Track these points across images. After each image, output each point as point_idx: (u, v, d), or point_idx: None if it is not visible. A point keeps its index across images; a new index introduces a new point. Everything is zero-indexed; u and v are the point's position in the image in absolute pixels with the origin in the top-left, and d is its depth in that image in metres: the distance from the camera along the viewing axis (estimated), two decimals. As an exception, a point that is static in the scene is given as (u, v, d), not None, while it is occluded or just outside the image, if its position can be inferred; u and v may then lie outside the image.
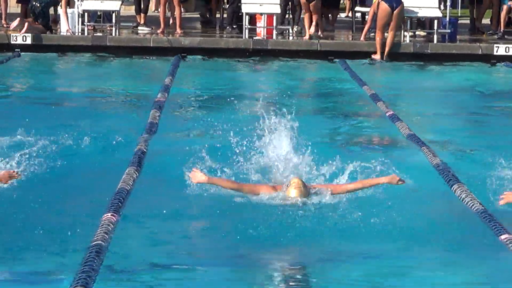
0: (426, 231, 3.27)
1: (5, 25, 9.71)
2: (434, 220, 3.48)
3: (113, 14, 9.32)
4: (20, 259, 2.83)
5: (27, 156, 4.44)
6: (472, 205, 3.53)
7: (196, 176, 3.75)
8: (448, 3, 10.00)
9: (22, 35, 8.71)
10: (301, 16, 10.57)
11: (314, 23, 9.93)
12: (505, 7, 9.99)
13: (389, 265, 2.91)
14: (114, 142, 5.08)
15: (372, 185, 3.81)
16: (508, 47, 9.31)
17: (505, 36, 10.06)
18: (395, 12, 9.17)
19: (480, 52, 9.59)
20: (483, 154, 5.07)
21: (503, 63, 9.35)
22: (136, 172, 4.05)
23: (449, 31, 9.94)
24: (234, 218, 3.51)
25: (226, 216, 3.54)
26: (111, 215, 3.07)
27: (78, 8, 9.03)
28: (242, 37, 9.69)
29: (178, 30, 9.57)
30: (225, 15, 10.53)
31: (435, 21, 9.66)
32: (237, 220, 3.45)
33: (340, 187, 3.87)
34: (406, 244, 3.09)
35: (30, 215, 3.50)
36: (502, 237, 2.94)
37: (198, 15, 11.21)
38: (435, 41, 9.75)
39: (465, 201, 3.67)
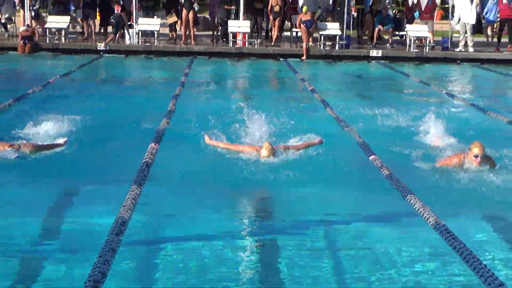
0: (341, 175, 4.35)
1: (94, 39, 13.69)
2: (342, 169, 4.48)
3: (155, 32, 13.61)
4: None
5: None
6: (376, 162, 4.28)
7: (205, 139, 4.80)
8: (345, 26, 13.89)
9: (106, 44, 12.96)
10: (263, 33, 14.86)
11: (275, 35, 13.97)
12: (376, 29, 14.02)
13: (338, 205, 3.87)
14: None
15: (310, 145, 4.82)
16: (378, 51, 13.46)
17: (376, 45, 14.09)
18: (310, 30, 13.08)
19: (362, 55, 13.77)
20: (378, 120, 6.30)
21: (375, 61, 13.31)
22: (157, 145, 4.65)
23: (345, 42, 13.79)
24: (225, 168, 4.47)
25: (221, 167, 4.51)
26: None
27: (135, 28, 13.30)
28: (228, 45, 13.68)
29: (192, 42, 13.70)
30: (219, 33, 14.68)
31: (337, 36, 13.79)
32: (227, 170, 4.41)
33: (295, 147, 4.72)
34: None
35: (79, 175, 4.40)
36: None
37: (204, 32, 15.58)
38: (337, 48, 13.78)
39: (375, 163, 4.31)
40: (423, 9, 14.15)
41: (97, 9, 14.32)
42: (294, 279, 2.84)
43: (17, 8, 14.79)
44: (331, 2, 14.61)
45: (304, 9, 13.11)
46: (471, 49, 13.83)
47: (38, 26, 13.91)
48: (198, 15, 14.51)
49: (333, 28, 14.21)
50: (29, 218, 3.57)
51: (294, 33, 14.98)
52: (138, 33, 13.31)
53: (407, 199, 3.41)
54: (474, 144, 4.40)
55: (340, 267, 3.04)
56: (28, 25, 12.93)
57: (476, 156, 4.27)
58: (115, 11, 13.14)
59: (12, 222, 3.50)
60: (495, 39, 15.00)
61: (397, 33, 14.94)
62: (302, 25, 13.16)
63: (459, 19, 13.71)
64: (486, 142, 4.62)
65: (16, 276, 2.81)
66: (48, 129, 5.34)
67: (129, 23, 13.37)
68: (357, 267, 2.95)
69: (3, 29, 14.69)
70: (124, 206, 2.99)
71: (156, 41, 13.67)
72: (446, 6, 16.54)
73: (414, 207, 3.26)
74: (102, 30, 14.67)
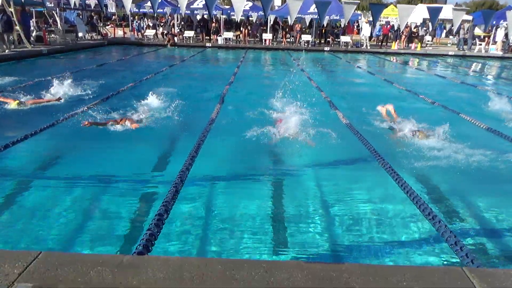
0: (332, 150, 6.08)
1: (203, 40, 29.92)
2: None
3: (230, 38, 30.07)
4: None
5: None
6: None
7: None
8: (313, 35, 31.13)
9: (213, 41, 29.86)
10: (277, 39, 33.12)
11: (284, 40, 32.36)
12: (329, 38, 33.09)
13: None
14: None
15: None
16: (328, 48, 30.48)
17: (327, 45, 32.07)
18: (299, 35, 31.71)
19: (320, 49, 29.95)
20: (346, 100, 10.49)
21: (326, 53, 28.91)
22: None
23: (312, 43, 31.53)
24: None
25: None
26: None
27: (222, 36, 30.02)
28: (262, 44, 31.45)
29: (246, 43, 30.69)
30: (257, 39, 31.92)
31: (309, 40, 31.86)
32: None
33: None
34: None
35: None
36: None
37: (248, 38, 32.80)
38: (309, 46, 31.45)
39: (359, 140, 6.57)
40: (347, 29, 31.41)
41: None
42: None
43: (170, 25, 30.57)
44: (307, 24, 31.48)
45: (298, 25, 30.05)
46: (368, 47, 31.14)
47: (177, 35, 29.77)
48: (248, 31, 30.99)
49: (308, 36, 31.19)
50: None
51: (291, 38, 31.91)
52: (224, 39, 29.51)
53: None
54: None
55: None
56: (172, 34, 28.77)
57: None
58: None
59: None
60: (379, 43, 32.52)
61: (336, 40, 32.07)
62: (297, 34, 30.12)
63: (363, 34, 31.07)
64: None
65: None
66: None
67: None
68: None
69: (162, 37, 30.50)
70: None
71: (230, 42, 29.89)
72: (358, 28, 33.94)
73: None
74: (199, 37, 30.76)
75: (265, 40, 29.21)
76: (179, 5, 28.11)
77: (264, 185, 4.89)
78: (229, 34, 28.99)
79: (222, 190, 4.98)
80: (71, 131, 7.03)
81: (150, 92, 9.51)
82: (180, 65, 18.52)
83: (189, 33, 29.12)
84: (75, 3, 26.09)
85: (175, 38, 29.04)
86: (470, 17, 34.52)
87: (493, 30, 31.57)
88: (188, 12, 30.79)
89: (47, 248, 3.34)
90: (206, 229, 4.23)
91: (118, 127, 6.61)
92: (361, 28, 31.98)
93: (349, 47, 30.70)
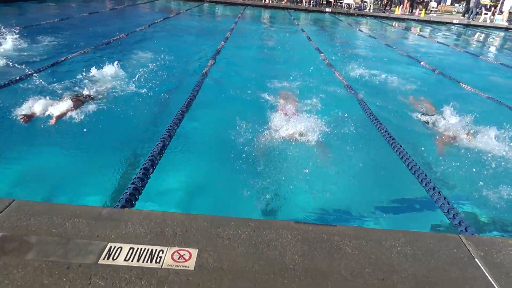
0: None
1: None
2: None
3: None
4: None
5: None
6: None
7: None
8: None
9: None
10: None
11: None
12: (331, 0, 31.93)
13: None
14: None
15: None
16: (329, 9, 31.12)
17: (328, 7, 31.93)
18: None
19: (321, 10, 31.34)
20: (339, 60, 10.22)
21: (328, 14, 30.53)
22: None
23: (314, 3, 31.52)
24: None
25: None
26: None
27: None
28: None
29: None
30: None
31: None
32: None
33: None
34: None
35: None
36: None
37: None
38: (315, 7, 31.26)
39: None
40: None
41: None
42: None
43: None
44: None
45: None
46: (371, 11, 30.16)
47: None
48: None
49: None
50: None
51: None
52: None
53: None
54: None
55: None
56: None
57: None
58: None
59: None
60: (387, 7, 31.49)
61: (339, 2, 31.01)
62: None
63: (367, -4, 30.00)
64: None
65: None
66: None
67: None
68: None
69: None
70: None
71: None
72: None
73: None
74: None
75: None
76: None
77: (254, 142, 4.68)
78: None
79: (212, 147, 4.76)
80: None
81: (141, 46, 9.08)
82: (175, 18, 17.75)
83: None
84: None
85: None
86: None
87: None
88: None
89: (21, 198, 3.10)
90: (194, 185, 4.05)
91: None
92: (365, -9, 30.88)
93: (351, 9, 29.73)
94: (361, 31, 20.54)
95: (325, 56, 11.30)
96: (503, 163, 5.06)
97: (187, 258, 2.42)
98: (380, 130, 5.35)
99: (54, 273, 2.22)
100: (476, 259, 2.67)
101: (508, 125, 5.94)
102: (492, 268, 2.58)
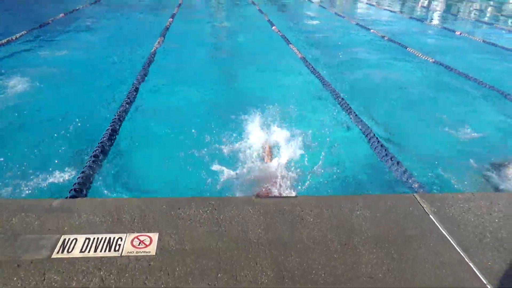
0: None
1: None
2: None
3: None
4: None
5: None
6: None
7: None
8: None
9: None
10: None
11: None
12: None
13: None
14: None
15: None
16: None
17: None
18: None
19: None
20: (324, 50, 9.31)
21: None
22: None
23: None
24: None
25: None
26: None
27: None
28: None
29: None
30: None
31: None
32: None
33: None
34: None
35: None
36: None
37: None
38: None
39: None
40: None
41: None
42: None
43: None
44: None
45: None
46: None
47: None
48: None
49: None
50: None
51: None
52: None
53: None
54: None
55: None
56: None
57: None
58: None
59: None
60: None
61: None
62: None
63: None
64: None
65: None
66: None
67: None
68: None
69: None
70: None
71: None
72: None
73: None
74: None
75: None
76: None
77: (207, 120, 4.57)
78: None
79: (165, 128, 4.61)
80: None
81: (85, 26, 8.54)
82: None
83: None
84: None
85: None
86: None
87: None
88: None
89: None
90: (149, 170, 3.92)
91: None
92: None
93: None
94: (311, 1, 20.45)
95: (277, 28, 11.19)
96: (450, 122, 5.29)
97: (147, 243, 2.34)
98: (334, 96, 5.41)
99: (2, 272, 2.07)
100: (430, 215, 2.78)
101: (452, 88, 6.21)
102: (445, 222, 2.71)
